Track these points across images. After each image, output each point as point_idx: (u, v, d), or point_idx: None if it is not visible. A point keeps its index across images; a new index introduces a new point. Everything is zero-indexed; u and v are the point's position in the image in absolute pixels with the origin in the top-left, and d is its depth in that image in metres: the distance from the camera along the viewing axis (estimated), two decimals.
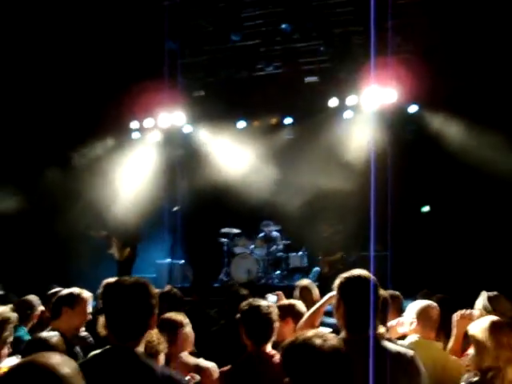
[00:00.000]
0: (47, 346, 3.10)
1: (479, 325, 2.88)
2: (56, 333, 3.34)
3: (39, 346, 3.08)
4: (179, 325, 3.46)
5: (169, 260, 10.39)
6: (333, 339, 2.03)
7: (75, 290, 3.71)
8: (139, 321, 2.28)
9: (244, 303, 3.18)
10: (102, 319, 2.72)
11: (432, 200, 9.95)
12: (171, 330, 3.34)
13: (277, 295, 4.65)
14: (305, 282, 5.27)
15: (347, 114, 10.11)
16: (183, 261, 10.55)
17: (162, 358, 2.92)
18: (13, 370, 1.61)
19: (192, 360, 3.46)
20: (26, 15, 8.40)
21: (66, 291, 3.71)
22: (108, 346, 2.32)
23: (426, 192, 9.77)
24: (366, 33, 8.44)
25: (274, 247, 10.23)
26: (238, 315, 3.18)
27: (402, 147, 9.47)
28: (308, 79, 9.99)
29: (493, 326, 2.83)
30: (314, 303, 3.74)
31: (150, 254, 10.22)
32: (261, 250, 10.17)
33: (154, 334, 2.83)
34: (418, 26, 8.59)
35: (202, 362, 3.46)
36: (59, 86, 9.36)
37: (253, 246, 10.21)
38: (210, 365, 3.44)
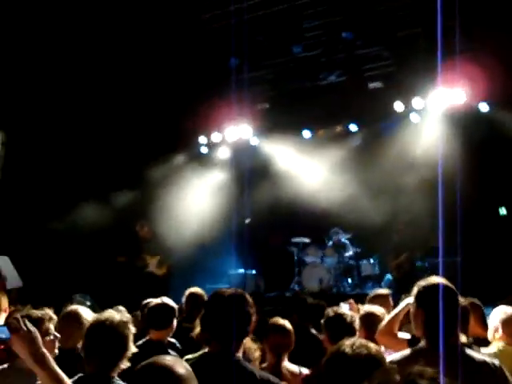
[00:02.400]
0: None
1: None
2: None
3: None
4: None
5: (241, 270, 10.59)
6: (364, 347, 2.07)
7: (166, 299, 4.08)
8: (240, 328, 2.47)
9: (329, 310, 3.45)
10: (197, 328, 2.91)
11: (509, 202, 9.55)
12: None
13: (349, 303, 4.72)
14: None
15: (414, 118, 9.94)
16: (255, 271, 10.71)
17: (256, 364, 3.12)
18: (137, 371, 1.82)
19: None
20: (89, 38, 8.91)
21: (155, 301, 4.04)
22: (207, 350, 2.54)
23: (502, 194, 9.39)
24: (429, 34, 8.29)
25: (345, 255, 10.17)
26: (323, 321, 3.40)
27: (474, 148, 9.17)
28: (372, 85, 9.93)
29: None
30: None
31: (222, 264, 10.51)
32: (331, 258, 10.14)
33: (248, 341, 3.01)
34: (482, 23, 8.36)
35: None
36: (129, 105, 9.84)
37: (323, 255, 10.20)
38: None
